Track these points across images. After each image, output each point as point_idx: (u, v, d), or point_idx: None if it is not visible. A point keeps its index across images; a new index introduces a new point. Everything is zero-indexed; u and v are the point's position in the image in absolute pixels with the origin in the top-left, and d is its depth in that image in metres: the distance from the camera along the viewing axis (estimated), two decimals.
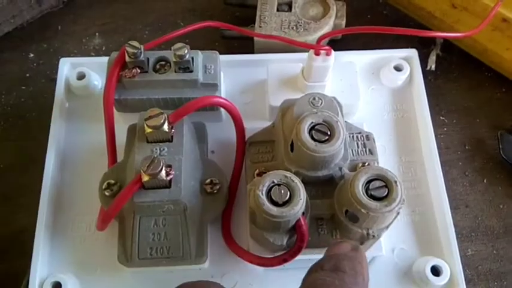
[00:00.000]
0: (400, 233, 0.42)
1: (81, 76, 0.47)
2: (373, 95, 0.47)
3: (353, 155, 0.40)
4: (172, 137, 0.38)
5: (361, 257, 0.29)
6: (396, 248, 0.41)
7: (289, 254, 0.36)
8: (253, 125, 0.42)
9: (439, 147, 0.44)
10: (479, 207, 0.45)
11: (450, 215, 0.41)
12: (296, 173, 0.37)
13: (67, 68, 0.47)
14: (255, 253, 0.38)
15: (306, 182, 0.37)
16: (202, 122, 0.43)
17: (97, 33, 0.55)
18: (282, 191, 0.34)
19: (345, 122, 0.41)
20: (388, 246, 0.41)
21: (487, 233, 0.44)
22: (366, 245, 0.37)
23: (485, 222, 0.44)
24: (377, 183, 0.34)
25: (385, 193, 0.34)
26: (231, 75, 0.47)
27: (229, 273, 0.40)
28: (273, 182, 0.34)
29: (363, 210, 0.33)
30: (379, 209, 0.33)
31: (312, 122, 0.36)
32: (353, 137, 0.41)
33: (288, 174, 0.34)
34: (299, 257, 0.37)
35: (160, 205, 0.36)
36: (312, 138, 0.35)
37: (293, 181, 0.34)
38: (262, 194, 0.33)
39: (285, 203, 0.33)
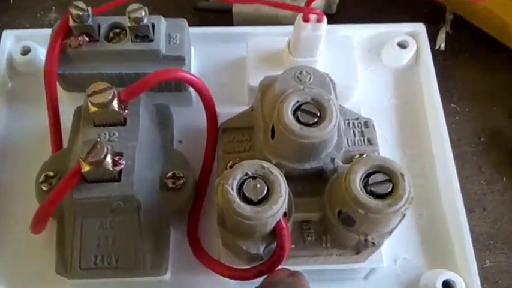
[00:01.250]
0: (404, 240, 0.35)
1: (26, 51, 0.40)
2: (372, 77, 0.41)
3: (348, 145, 0.33)
4: (125, 119, 0.31)
5: (300, 283, 0.26)
6: (399, 259, 0.34)
7: (267, 265, 0.28)
8: (230, 111, 0.35)
9: (450, 139, 0.37)
10: (499, 210, 0.38)
11: (466, 218, 0.34)
12: (277, 165, 0.30)
13: (10, 41, 0.40)
14: (227, 263, 0.31)
15: (290, 177, 0.30)
16: (167, 105, 0.36)
17: (53, 7, 0.48)
18: (258, 186, 0.26)
19: (340, 106, 0.34)
20: (390, 256, 0.34)
21: (508, 241, 0.37)
22: (362, 255, 0.30)
23: (506, 228, 0.38)
24: (379, 177, 0.27)
25: (389, 189, 0.26)
26: (204, 51, 0.41)
27: (193, 287, 0.33)
28: (247, 174, 0.27)
29: (360, 210, 0.26)
30: (381, 209, 0.26)
31: (298, 101, 0.29)
32: (349, 123, 0.34)
33: (266, 164, 0.27)
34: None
35: (107, 202, 0.29)
36: (298, 120, 0.28)
37: (272, 173, 0.27)
38: (232, 189, 0.26)
39: (261, 201, 0.26)
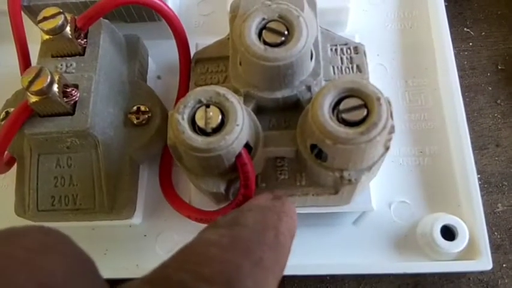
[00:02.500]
0: (401, 181, 0.31)
1: None
2: (372, 0, 0.36)
3: (335, 73, 0.29)
4: (84, 49, 0.29)
5: (282, 208, 0.22)
6: (395, 202, 0.30)
7: (232, 206, 0.25)
8: (213, 42, 0.32)
9: (462, 68, 0.33)
10: None
11: (472, 156, 0.30)
12: (246, 95, 0.27)
13: None
14: (197, 206, 0.28)
15: (263, 109, 0.27)
16: (137, 35, 0.33)
17: None
18: (211, 114, 0.23)
19: (327, 30, 0.30)
20: (383, 198, 0.30)
21: None
22: (342, 195, 0.26)
23: None
24: (351, 102, 0.23)
25: (363, 115, 0.23)
26: None
27: (166, 232, 0.31)
28: (200, 101, 0.24)
29: (327, 141, 0.22)
30: (351, 139, 0.22)
31: (264, 19, 0.25)
32: (336, 50, 0.30)
33: (223, 90, 0.24)
34: None
35: (61, 138, 0.27)
36: (263, 41, 0.25)
37: (228, 100, 0.23)
38: (183, 118, 0.23)
39: (215, 131, 0.23)
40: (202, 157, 0.23)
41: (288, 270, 0.29)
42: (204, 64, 0.30)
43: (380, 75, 0.33)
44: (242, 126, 0.23)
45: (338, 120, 0.23)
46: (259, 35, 0.25)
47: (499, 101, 0.34)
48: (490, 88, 0.34)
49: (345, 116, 0.23)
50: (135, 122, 0.29)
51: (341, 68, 0.29)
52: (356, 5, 0.34)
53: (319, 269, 0.29)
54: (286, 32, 0.25)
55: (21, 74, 0.33)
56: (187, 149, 0.23)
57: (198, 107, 0.24)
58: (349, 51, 0.30)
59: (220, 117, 0.23)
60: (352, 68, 0.29)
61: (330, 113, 0.23)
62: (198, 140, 0.23)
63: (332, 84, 0.23)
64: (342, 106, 0.23)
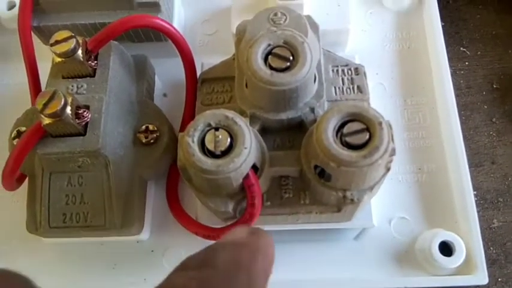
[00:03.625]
0: (400, 198, 0.32)
1: (11, 5, 0.39)
2: (371, 21, 0.37)
3: (336, 93, 0.30)
4: (95, 70, 0.29)
5: (257, 244, 0.20)
6: (395, 218, 0.32)
7: (238, 223, 0.26)
8: (217, 61, 0.33)
9: (458, 87, 0.34)
10: (510, 163, 0.34)
11: (468, 174, 0.31)
12: (252, 116, 0.27)
13: None
14: (204, 222, 0.29)
15: (268, 129, 0.28)
16: (145, 55, 0.34)
17: None
18: (220, 137, 0.24)
19: (328, 52, 0.31)
20: (384, 215, 0.31)
21: None
22: (345, 213, 0.27)
23: None
24: (354, 126, 0.24)
25: (366, 138, 0.24)
26: (190, 2, 0.38)
27: (173, 247, 0.32)
28: (209, 125, 0.25)
29: (332, 163, 0.23)
30: (354, 162, 0.23)
31: (269, 44, 0.26)
32: (337, 71, 0.31)
33: (231, 114, 0.25)
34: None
35: (73, 158, 0.28)
36: (269, 66, 0.26)
37: (236, 123, 0.24)
38: (193, 141, 0.24)
39: (224, 153, 0.24)
40: (212, 178, 0.24)
41: (290, 286, 0.30)
42: (210, 84, 0.31)
43: (379, 94, 0.34)
44: (250, 149, 0.24)
45: (341, 143, 0.24)
46: (265, 60, 0.26)
47: (494, 119, 0.35)
48: (486, 106, 0.36)
49: (348, 139, 0.24)
50: (143, 141, 0.30)
51: (342, 88, 0.30)
52: (355, 26, 0.35)
53: (321, 284, 0.30)
54: (291, 58, 0.26)
55: (30, 92, 0.34)
56: (197, 171, 0.24)
57: (208, 130, 0.25)
58: (350, 72, 0.31)
59: (229, 140, 0.24)
60: (353, 88, 0.30)
61: (334, 136, 0.24)
62: (208, 163, 0.24)
63: (336, 109, 0.24)
64: (345, 130, 0.24)
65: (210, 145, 0.24)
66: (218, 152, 0.24)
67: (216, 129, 0.25)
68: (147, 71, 0.33)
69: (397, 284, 0.30)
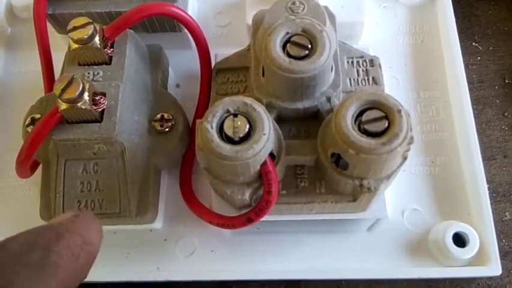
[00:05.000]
0: (413, 190, 0.32)
1: None
2: (385, 15, 0.37)
3: (351, 84, 0.30)
4: (111, 58, 0.30)
5: (71, 226, 0.20)
6: (408, 210, 0.32)
7: (255, 211, 0.26)
8: (231, 52, 0.33)
9: (470, 81, 0.34)
10: None
11: (482, 166, 0.31)
12: (268, 105, 0.27)
13: None
14: (217, 211, 0.29)
15: (284, 118, 0.28)
16: (160, 45, 0.34)
17: None
18: (239, 123, 0.24)
19: (343, 43, 0.31)
20: (397, 206, 0.31)
21: None
22: (360, 203, 0.27)
23: None
24: (373, 114, 0.24)
25: (385, 126, 0.24)
26: None
27: (186, 236, 0.32)
28: (228, 111, 0.25)
29: (351, 150, 0.23)
30: (373, 149, 0.23)
31: (288, 33, 0.26)
32: (352, 62, 0.31)
33: (250, 101, 0.25)
34: (272, 217, 0.28)
35: (89, 144, 0.28)
36: (287, 54, 0.26)
37: (255, 110, 0.24)
38: (211, 127, 0.24)
39: (242, 140, 0.24)
40: (230, 164, 0.24)
41: (304, 275, 0.30)
42: (225, 74, 0.31)
43: (393, 87, 0.34)
44: (268, 135, 0.24)
45: (360, 131, 0.24)
46: (284, 48, 0.26)
47: (506, 114, 0.36)
48: (498, 101, 0.36)
49: (367, 127, 0.24)
50: (158, 129, 0.30)
51: (357, 79, 0.30)
52: (369, 20, 0.35)
53: (335, 273, 0.30)
54: (309, 46, 0.26)
55: (44, 80, 0.34)
56: (215, 156, 0.24)
57: (226, 117, 0.25)
58: (365, 63, 0.31)
59: (247, 126, 0.24)
60: (368, 80, 0.30)
61: (353, 123, 0.24)
62: (227, 148, 0.24)
63: (355, 97, 0.24)
64: (364, 117, 0.24)
65: (228, 131, 0.24)
66: (237, 138, 0.24)
67: (235, 115, 0.25)
68: (161, 60, 0.33)
69: (410, 274, 0.30)
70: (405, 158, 0.25)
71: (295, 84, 0.26)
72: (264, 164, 0.25)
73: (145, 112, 0.30)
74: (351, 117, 0.24)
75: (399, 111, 0.24)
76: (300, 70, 0.25)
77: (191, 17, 0.30)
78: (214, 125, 0.24)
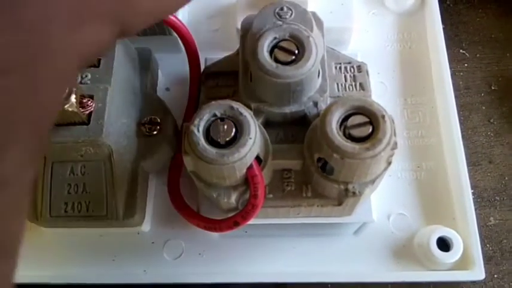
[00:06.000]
0: (399, 194, 0.32)
1: None
2: (374, 21, 0.37)
3: (339, 90, 0.31)
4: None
5: None
6: (393, 214, 0.32)
7: (241, 215, 0.27)
8: (221, 56, 0.33)
9: (457, 88, 0.34)
10: (507, 163, 0.35)
11: (466, 172, 0.31)
12: (257, 110, 0.28)
13: None
14: (205, 214, 0.29)
15: (272, 122, 0.28)
16: (149, 49, 0.34)
17: None
18: (226, 127, 0.25)
19: (331, 49, 0.32)
20: (383, 210, 0.32)
21: None
22: (346, 207, 0.28)
23: None
24: (358, 119, 0.24)
25: (369, 131, 0.24)
26: None
27: (174, 239, 0.32)
28: (215, 115, 0.25)
29: (335, 155, 0.24)
30: (357, 154, 0.23)
31: (275, 38, 0.26)
32: (340, 68, 0.31)
33: (236, 105, 0.25)
34: (259, 221, 0.28)
35: (76, 147, 0.28)
36: (274, 59, 0.26)
37: (241, 114, 0.25)
38: (198, 130, 0.24)
39: (228, 143, 0.24)
40: (216, 168, 0.24)
41: (290, 278, 0.31)
42: (214, 78, 0.31)
43: (380, 93, 0.34)
44: (254, 139, 0.24)
45: (345, 136, 0.24)
46: (271, 53, 0.26)
47: (492, 120, 0.36)
48: (484, 107, 0.36)
49: (352, 132, 0.24)
50: (146, 132, 0.30)
51: (345, 85, 0.31)
52: (358, 26, 0.35)
53: (321, 276, 0.30)
54: (296, 51, 0.26)
55: None
56: (201, 160, 0.24)
57: (213, 120, 0.25)
58: (352, 69, 0.31)
59: (234, 130, 0.24)
60: (355, 85, 0.31)
61: (338, 128, 0.24)
62: (213, 152, 0.24)
63: (340, 102, 0.25)
64: (349, 122, 0.24)
65: (215, 135, 0.24)
66: (223, 142, 0.24)
67: (222, 119, 0.25)
68: (151, 64, 0.33)
69: (395, 278, 0.30)
70: (389, 163, 0.26)
71: (282, 89, 0.26)
72: (250, 167, 0.25)
73: (133, 115, 0.30)
74: (336, 122, 0.24)
75: (383, 116, 0.24)
76: (286, 75, 0.25)
77: (180, 21, 0.31)
78: (201, 128, 0.25)
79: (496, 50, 0.38)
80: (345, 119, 0.25)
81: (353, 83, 0.31)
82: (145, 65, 0.33)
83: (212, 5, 0.38)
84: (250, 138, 0.24)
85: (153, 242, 0.32)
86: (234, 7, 0.36)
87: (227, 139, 0.24)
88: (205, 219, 0.29)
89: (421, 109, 0.34)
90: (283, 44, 0.26)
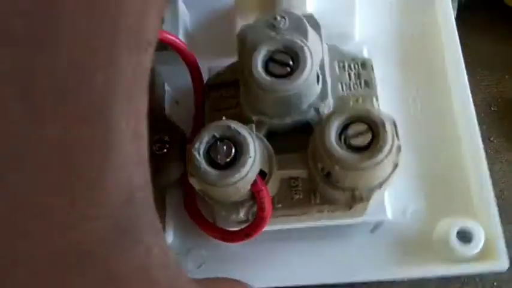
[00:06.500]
0: (414, 189, 0.32)
1: None
2: (378, 12, 0.36)
3: (343, 89, 0.30)
4: None
5: None
6: (409, 208, 0.31)
7: (251, 228, 0.27)
8: (224, 64, 0.33)
9: None
10: (506, 179, 0.36)
11: (485, 159, 0.30)
12: (258, 122, 0.28)
13: None
14: (221, 225, 0.30)
15: (275, 133, 0.28)
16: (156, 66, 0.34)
17: None
18: (225, 148, 0.25)
19: (334, 46, 0.31)
20: (398, 206, 0.31)
21: None
22: (356, 210, 0.28)
23: None
24: (357, 127, 0.24)
25: (369, 140, 0.24)
26: (195, 5, 0.38)
27: (195, 248, 0.33)
28: (214, 136, 0.25)
29: (336, 166, 0.24)
30: (358, 164, 0.23)
31: (269, 51, 0.26)
32: (344, 66, 0.31)
33: (234, 124, 0.25)
34: (275, 227, 0.29)
35: None
36: (270, 73, 0.26)
37: (239, 133, 0.25)
38: (199, 154, 0.25)
39: (229, 164, 0.25)
40: (220, 189, 0.25)
41: (312, 280, 0.31)
42: (217, 90, 0.32)
43: (389, 85, 0.33)
44: (255, 157, 0.25)
45: (346, 145, 0.24)
46: (267, 67, 0.26)
47: (492, 139, 0.37)
48: (484, 127, 0.37)
49: (352, 141, 0.24)
50: (157, 151, 0.31)
51: (349, 84, 0.30)
52: (364, 17, 0.34)
53: (339, 277, 0.30)
54: (291, 63, 0.26)
55: None
56: (204, 183, 0.25)
57: (213, 142, 0.25)
58: (356, 66, 0.31)
59: (233, 150, 0.25)
60: (360, 83, 0.30)
61: (337, 140, 0.24)
62: (214, 174, 0.24)
63: (337, 112, 0.24)
64: (349, 132, 0.24)
65: (215, 157, 0.25)
66: (223, 163, 0.25)
67: (221, 140, 0.25)
68: (155, 82, 0.33)
69: (416, 274, 0.30)
70: (396, 165, 0.25)
71: (280, 101, 0.26)
72: (254, 183, 0.26)
73: None
74: (334, 134, 0.24)
75: (382, 123, 0.24)
76: (282, 89, 0.25)
77: (179, 39, 0.31)
78: (201, 151, 0.25)
79: (495, 72, 0.39)
80: (346, 126, 0.24)
81: (358, 81, 0.30)
82: (150, 84, 0.33)
83: (213, 13, 0.38)
84: (250, 157, 0.25)
85: (177, 253, 0.33)
86: (233, 14, 0.36)
87: (227, 160, 0.25)
88: (221, 230, 0.30)
89: (433, 100, 0.33)
90: (278, 57, 0.26)
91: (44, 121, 0.12)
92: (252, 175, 0.25)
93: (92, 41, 0.13)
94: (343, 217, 0.29)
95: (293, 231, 0.31)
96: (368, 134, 0.24)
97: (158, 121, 0.32)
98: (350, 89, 0.30)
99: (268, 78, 0.25)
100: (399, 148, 0.24)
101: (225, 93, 0.31)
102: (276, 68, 0.26)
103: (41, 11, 0.11)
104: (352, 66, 0.31)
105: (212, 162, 0.25)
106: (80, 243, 0.14)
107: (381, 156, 0.23)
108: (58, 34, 0.12)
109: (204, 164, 0.25)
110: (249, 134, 0.25)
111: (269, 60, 0.26)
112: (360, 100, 0.29)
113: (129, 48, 0.14)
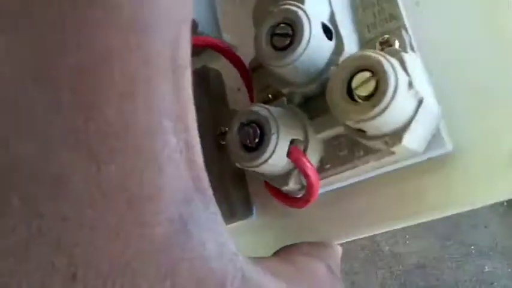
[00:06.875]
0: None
1: None
2: None
3: (369, 31, 0.29)
4: None
5: None
6: (476, 131, 0.29)
7: (307, 194, 0.28)
8: None
9: None
10: (498, 228, 0.40)
11: None
12: (289, 93, 0.29)
13: None
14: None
15: (309, 99, 0.29)
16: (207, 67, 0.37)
17: None
18: (251, 131, 0.27)
19: None
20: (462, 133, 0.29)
21: (505, 252, 0.35)
22: (401, 152, 0.27)
23: (503, 243, 0.37)
24: (360, 77, 0.24)
25: (373, 86, 0.23)
26: None
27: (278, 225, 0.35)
28: (241, 123, 0.27)
29: (348, 122, 0.24)
30: (367, 114, 0.23)
31: (271, 25, 0.27)
32: (365, 7, 0.30)
33: (256, 108, 0.27)
34: (332, 186, 0.30)
35: None
36: (274, 46, 0.27)
37: (259, 114, 0.27)
38: (233, 140, 0.28)
39: (259, 144, 0.27)
40: (259, 168, 0.27)
41: (395, 224, 0.31)
42: (260, 71, 0.33)
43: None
44: (278, 133, 0.26)
45: (354, 99, 0.24)
46: (271, 41, 0.27)
47: None
48: None
49: (358, 92, 0.24)
50: (222, 143, 0.34)
51: (375, 23, 0.29)
52: None
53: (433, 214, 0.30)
54: (290, 32, 0.26)
55: None
56: (243, 166, 0.27)
57: (241, 128, 0.27)
58: (379, 3, 0.29)
59: (258, 132, 0.27)
60: (386, 19, 0.29)
61: (344, 94, 0.24)
62: (247, 157, 0.27)
63: (342, 64, 0.24)
64: (354, 83, 0.24)
65: (245, 141, 0.27)
66: (254, 146, 0.27)
67: (247, 124, 0.27)
68: (211, 81, 0.36)
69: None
70: (420, 101, 0.24)
71: (293, 72, 0.27)
72: (290, 153, 0.27)
73: (209, 132, 0.34)
74: (340, 90, 0.24)
75: (381, 65, 0.23)
76: (286, 61, 0.26)
77: (224, 43, 0.33)
78: (234, 137, 0.27)
79: None
80: (350, 79, 0.24)
81: (382, 17, 0.29)
82: (205, 82, 0.36)
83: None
84: (273, 134, 0.26)
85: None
86: None
87: (257, 141, 0.27)
88: (289, 198, 0.31)
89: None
90: (278, 30, 0.27)
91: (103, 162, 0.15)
92: (283, 148, 0.26)
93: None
94: (399, 159, 0.28)
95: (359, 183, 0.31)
96: (372, 80, 0.23)
97: (219, 113, 0.35)
98: (377, 28, 0.29)
99: (272, 53, 0.26)
100: (410, 84, 0.23)
101: (265, 72, 0.33)
102: (278, 41, 0.27)
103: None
104: (375, 2, 0.30)
105: (246, 147, 0.27)
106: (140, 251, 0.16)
107: (386, 99, 0.23)
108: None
109: (238, 149, 0.27)
110: (268, 112, 0.27)
111: (274, 35, 0.27)
112: (388, 36, 0.28)
113: (167, 78, 0.16)
